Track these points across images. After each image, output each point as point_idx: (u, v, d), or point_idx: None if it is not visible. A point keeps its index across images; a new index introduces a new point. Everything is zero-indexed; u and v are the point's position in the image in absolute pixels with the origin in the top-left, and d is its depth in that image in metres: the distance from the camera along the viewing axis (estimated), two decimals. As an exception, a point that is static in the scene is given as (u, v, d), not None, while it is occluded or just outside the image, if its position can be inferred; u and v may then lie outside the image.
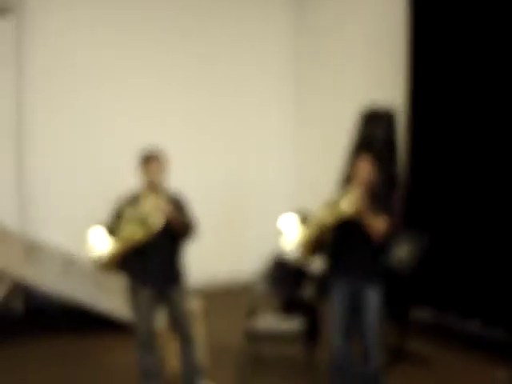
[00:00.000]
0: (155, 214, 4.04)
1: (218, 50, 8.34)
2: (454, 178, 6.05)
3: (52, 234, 6.92)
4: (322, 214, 4.19)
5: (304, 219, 4.22)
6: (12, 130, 6.83)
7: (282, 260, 5.52)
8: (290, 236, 4.18)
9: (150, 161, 4.29)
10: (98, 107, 7.44)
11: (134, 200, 4.25)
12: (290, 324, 5.07)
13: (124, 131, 7.57)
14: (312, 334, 5.01)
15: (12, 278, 5.82)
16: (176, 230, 4.22)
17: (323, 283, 6.79)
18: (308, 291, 5.14)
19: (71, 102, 7.28)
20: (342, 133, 7.54)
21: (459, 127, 5.98)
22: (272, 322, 5.14)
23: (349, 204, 4.09)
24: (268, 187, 8.67)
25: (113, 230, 4.12)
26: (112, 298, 6.14)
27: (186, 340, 4.44)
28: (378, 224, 4.17)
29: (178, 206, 4.32)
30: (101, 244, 4.07)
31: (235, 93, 8.50)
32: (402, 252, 5.47)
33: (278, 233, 4.24)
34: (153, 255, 4.24)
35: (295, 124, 8.94)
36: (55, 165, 7.20)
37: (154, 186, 4.26)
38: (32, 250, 6.34)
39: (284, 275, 5.22)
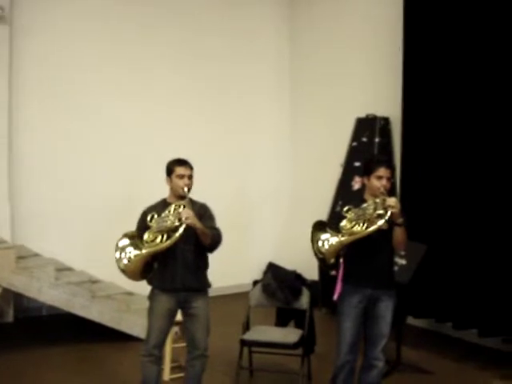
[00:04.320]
0: (181, 223, 3.97)
1: (214, 72, 8.30)
2: (448, 187, 6.03)
3: (45, 242, 6.86)
4: (356, 226, 4.02)
5: (330, 228, 4.09)
6: (4, 136, 6.74)
7: (277, 269, 5.49)
8: (324, 244, 4.03)
9: (179, 168, 4.23)
10: (95, 114, 7.36)
11: (160, 208, 4.18)
12: (286, 334, 5.01)
13: (121, 140, 7.53)
14: (308, 344, 4.96)
15: (3, 286, 5.74)
16: (201, 239, 4.14)
17: (320, 293, 6.86)
18: (304, 300, 5.09)
19: (67, 109, 7.20)
20: (338, 144, 7.56)
21: (454, 135, 5.96)
22: (267, 331, 5.08)
23: (391, 216, 3.96)
24: (266, 200, 8.70)
25: (139, 238, 4.06)
26: (104, 307, 6.08)
27: (200, 354, 4.31)
28: (404, 234, 4.11)
29: (203, 215, 4.25)
30: (126, 253, 4.02)
31: (231, 111, 8.48)
32: (400, 260, 5.45)
33: (310, 239, 4.09)
34: (176, 263, 4.17)
35: (292, 135, 8.90)
36: (49, 172, 7.12)
37: (180, 195, 4.19)
38: (24, 257, 6.30)
39: (280, 284, 5.17)
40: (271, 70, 8.86)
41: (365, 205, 4.08)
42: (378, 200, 4.03)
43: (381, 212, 3.97)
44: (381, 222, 3.95)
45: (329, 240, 4.04)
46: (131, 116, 7.61)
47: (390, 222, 4.06)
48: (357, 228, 4.01)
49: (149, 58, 7.75)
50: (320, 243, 4.05)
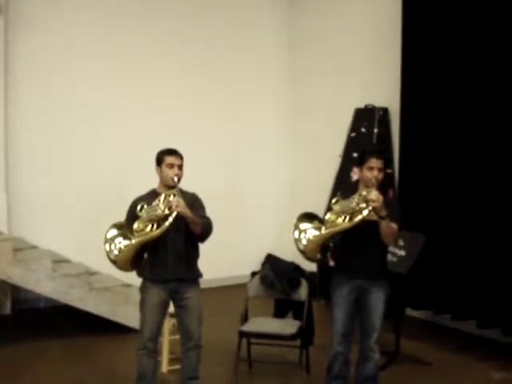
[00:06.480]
0: (171, 212, 3.94)
1: (212, 63, 8.27)
2: (446, 177, 6.01)
3: (42, 234, 6.85)
4: (339, 219, 3.97)
5: (318, 221, 4.06)
6: (1, 128, 6.70)
7: (275, 261, 5.46)
8: (304, 236, 4.01)
9: (169, 158, 4.18)
10: (89, 107, 7.35)
11: (150, 198, 4.14)
12: (284, 325, 4.99)
13: (115, 132, 7.49)
14: (306, 335, 4.94)
15: (0, 278, 5.73)
16: (192, 228, 4.10)
17: (319, 284, 6.84)
18: (302, 292, 5.06)
19: (63, 101, 7.19)
20: (337, 134, 7.53)
21: (453, 126, 5.94)
22: (265, 323, 5.06)
23: (372, 209, 3.88)
24: (265, 191, 8.70)
25: (128, 228, 4.03)
26: (101, 299, 6.07)
27: (194, 344, 4.29)
28: (394, 227, 4.03)
29: (194, 205, 4.20)
30: (116, 244, 4.00)
31: (231, 102, 8.47)
32: (399, 251, 5.44)
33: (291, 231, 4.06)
34: (167, 253, 4.14)
35: (291, 125, 8.88)
36: (46, 164, 7.11)
37: (170, 185, 4.14)
38: (21, 249, 6.27)
39: (278, 275, 5.14)
40: (270, 60, 8.82)
41: (351, 197, 4.04)
42: (364, 192, 3.97)
43: (363, 205, 3.92)
44: (363, 215, 3.88)
45: (306, 233, 4.01)
46: (124, 109, 7.57)
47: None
48: (339, 221, 3.97)
49: (144, 49, 7.70)
50: (296, 234, 4.02)
